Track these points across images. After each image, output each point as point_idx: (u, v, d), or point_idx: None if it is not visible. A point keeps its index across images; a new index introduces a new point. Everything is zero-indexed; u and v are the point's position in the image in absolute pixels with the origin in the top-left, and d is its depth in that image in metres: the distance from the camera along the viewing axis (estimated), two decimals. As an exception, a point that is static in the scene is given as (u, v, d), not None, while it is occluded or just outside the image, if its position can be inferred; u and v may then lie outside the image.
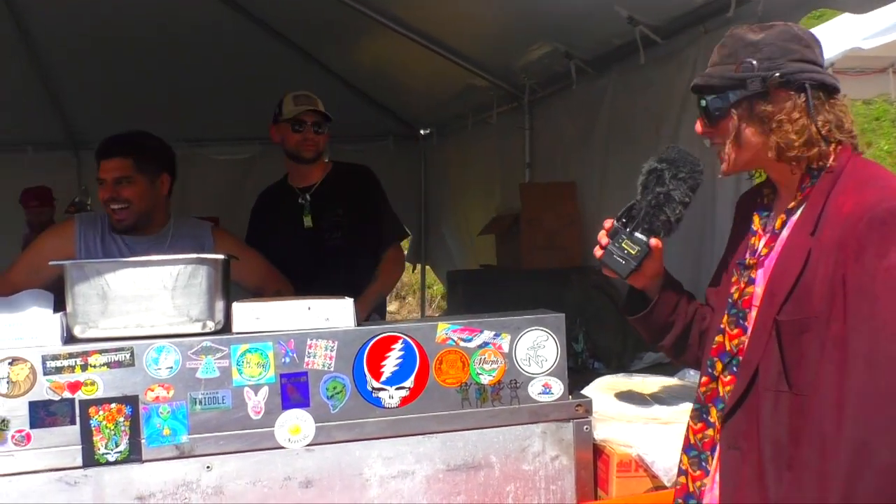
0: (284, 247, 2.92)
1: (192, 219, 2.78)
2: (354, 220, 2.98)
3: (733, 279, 1.56)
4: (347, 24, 4.24)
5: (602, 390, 2.07)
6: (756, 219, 1.57)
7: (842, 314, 1.33)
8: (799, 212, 1.48)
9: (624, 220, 1.61)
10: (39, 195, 5.25)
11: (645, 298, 1.70)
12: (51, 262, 1.78)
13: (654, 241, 1.59)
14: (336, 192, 3.02)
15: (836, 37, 5.28)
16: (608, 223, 1.63)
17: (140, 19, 4.23)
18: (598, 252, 1.63)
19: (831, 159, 1.45)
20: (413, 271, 7.47)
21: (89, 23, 4.23)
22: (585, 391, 2.04)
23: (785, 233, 1.49)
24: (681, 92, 3.00)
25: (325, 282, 2.52)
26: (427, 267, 6.71)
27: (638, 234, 1.59)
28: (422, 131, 6.15)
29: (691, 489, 1.59)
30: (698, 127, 1.55)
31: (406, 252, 7.44)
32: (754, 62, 1.44)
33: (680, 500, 1.60)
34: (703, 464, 1.57)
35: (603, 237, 1.63)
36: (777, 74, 1.42)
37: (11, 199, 5.44)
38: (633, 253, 1.58)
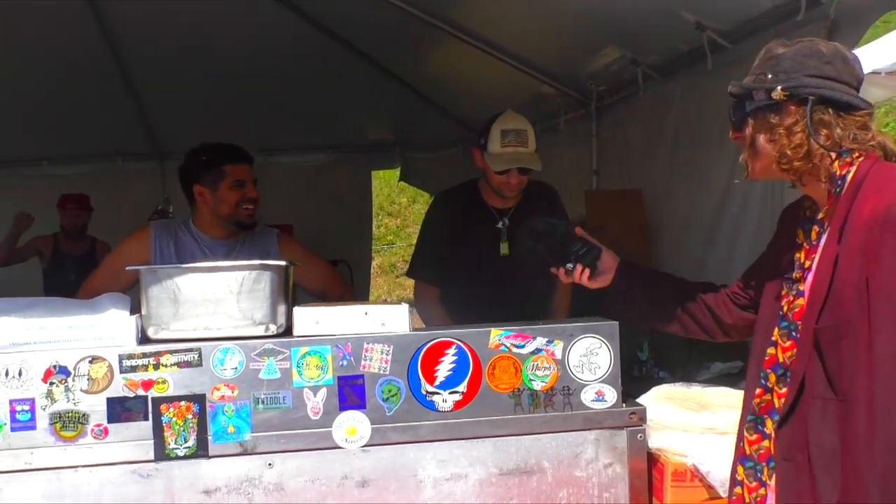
0: (476, 268, 2.80)
1: (262, 226, 2.91)
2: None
3: (783, 292, 1.57)
4: (417, 35, 4.32)
5: (659, 399, 2.06)
6: (800, 232, 1.59)
7: (868, 318, 1.35)
8: (829, 222, 1.50)
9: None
10: (78, 200, 5.44)
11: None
12: (127, 268, 1.90)
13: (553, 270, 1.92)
14: (528, 214, 2.77)
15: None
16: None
17: (220, 37, 4.43)
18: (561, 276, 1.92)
19: (853, 169, 1.45)
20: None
21: (173, 42, 4.44)
22: (642, 399, 2.04)
23: (821, 243, 1.49)
24: (748, 99, 2.96)
25: (516, 307, 2.49)
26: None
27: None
28: (491, 139, 6.17)
29: (747, 500, 1.58)
30: (731, 133, 1.62)
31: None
32: (769, 75, 1.49)
33: None
34: (759, 475, 1.57)
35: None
36: (780, 88, 1.46)
37: (105, 206, 5.77)
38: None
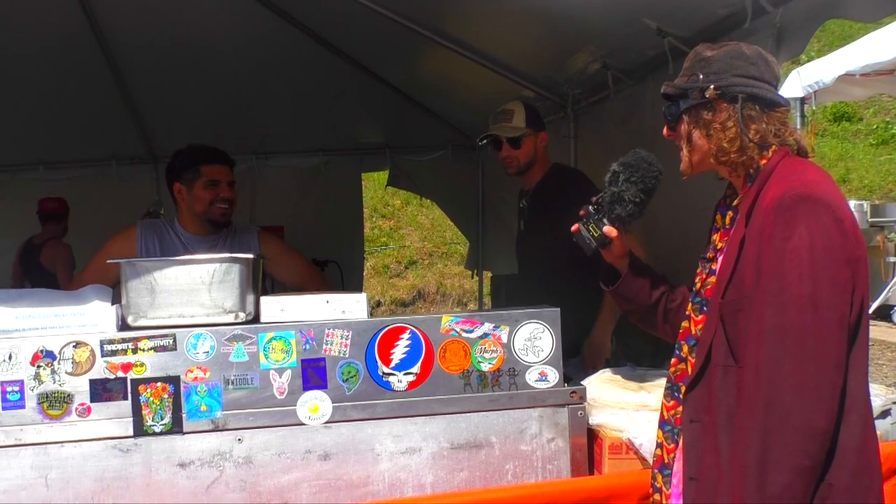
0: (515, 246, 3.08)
1: (244, 224, 3.08)
2: (558, 223, 3.00)
3: (699, 271, 1.72)
4: (405, 42, 4.44)
5: (603, 381, 2.23)
6: (718, 217, 1.73)
7: (759, 292, 1.51)
8: (741, 208, 1.65)
9: (593, 208, 1.87)
10: (57, 202, 5.80)
11: (617, 274, 1.93)
12: (108, 261, 2.07)
13: (607, 229, 1.85)
14: (545, 196, 3.07)
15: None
16: (583, 209, 1.90)
17: (213, 42, 4.55)
18: (573, 228, 1.92)
19: (765, 161, 1.60)
20: (472, 278, 7.66)
21: (167, 47, 4.56)
22: (586, 381, 2.20)
23: (733, 227, 1.64)
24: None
25: (527, 283, 2.69)
26: (486, 274, 6.87)
27: (599, 222, 1.85)
28: (478, 141, 6.31)
29: (666, 460, 1.75)
30: (664, 131, 1.76)
31: (465, 260, 7.65)
32: (701, 75, 1.63)
33: (656, 471, 1.76)
34: (675, 437, 1.74)
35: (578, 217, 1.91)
36: (712, 87, 1.60)
37: (99, 208, 5.94)
38: (595, 236, 1.87)
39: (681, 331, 1.73)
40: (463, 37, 4.27)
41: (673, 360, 1.75)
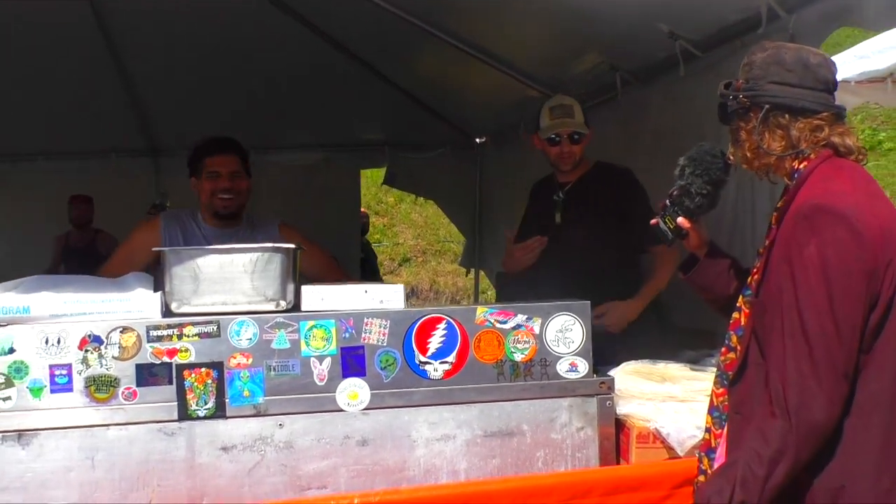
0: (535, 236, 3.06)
1: (263, 215, 3.12)
2: (601, 219, 3.00)
3: (755, 265, 1.81)
4: (408, 39, 4.48)
5: (627, 373, 2.30)
6: (773, 216, 1.81)
7: (779, 297, 1.61)
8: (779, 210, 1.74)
9: (668, 202, 1.98)
10: (86, 199, 5.99)
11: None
12: (154, 249, 2.10)
13: (680, 220, 1.94)
14: (589, 191, 3.07)
15: (892, 48, 5.31)
16: (661, 202, 2.00)
17: (215, 36, 4.57)
18: (652, 222, 2.01)
19: (804, 165, 1.68)
20: (467, 276, 7.72)
21: (170, 40, 4.59)
22: (611, 372, 2.27)
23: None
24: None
25: (564, 277, 2.65)
26: (482, 272, 6.93)
27: (674, 214, 1.95)
28: (477, 140, 6.37)
29: (713, 445, 1.83)
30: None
31: (460, 257, 7.71)
32: (742, 81, 1.72)
33: (703, 454, 1.85)
34: (723, 423, 1.81)
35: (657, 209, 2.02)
36: (741, 96, 1.70)
37: (100, 201, 5.95)
38: (671, 227, 1.97)
39: (731, 321, 1.81)
40: (466, 33, 4.32)
41: (723, 350, 1.83)
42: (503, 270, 3.42)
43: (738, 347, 1.78)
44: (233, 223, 2.91)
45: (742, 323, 1.79)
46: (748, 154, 1.73)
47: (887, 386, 1.58)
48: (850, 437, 1.56)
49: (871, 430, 1.56)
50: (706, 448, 1.85)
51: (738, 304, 1.82)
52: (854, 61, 5.11)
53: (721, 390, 1.83)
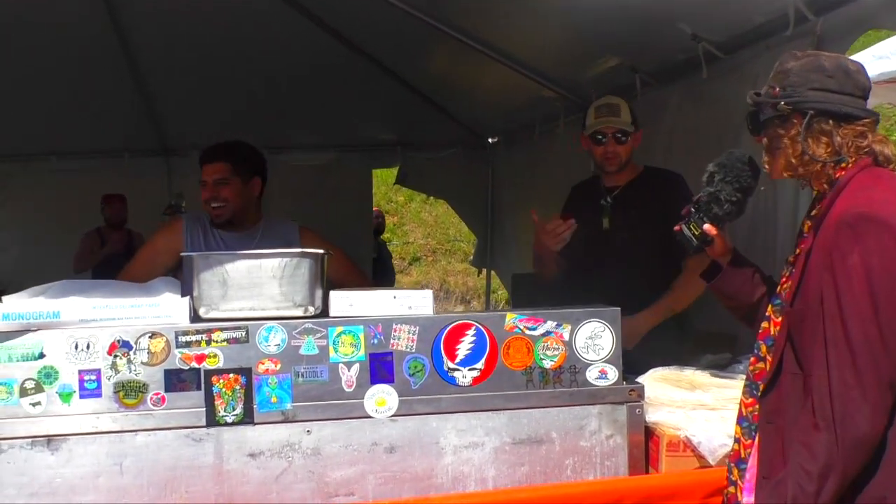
0: (580, 241, 3.00)
1: (281, 218, 3.10)
2: (649, 223, 2.91)
3: (783, 273, 1.78)
4: (421, 37, 4.46)
5: (655, 380, 2.28)
6: (805, 225, 1.79)
7: (822, 307, 1.59)
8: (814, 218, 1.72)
9: (694, 207, 1.95)
10: (120, 198, 5.96)
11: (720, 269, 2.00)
12: (183, 254, 2.09)
13: (707, 227, 1.93)
14: (638, 196, 3.01)
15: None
16: (685, 209, 1.98)
17: (227, 36, 4.55)
18: (676, 227, 1.99)
19: (841, 173, 1.67)
20: (479, 276, 7.70)
21: (182, 40, 4.57)
22: (640, 379, 2.25)
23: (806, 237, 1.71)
24: (742, 105, 3.15)
25: (608, 281, 2.67)
26: (493, 272, 6.92)
27: (700, 221, 1.93)
28: (490, 140, 6.36)
29: (742, 455, 1.81)
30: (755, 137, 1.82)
31: (472, 257, 7.70)
32: (778, 88, 1.68)
33: (732, 465, 1.83)
34: (753, 433, 1.79)
35: (681, 216, 1.99)
36: (783, 103, 1.67)
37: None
38: (696, 235, 1.96)
39: (760, 331, 1.79)
40: (480, 32, 4.30)
41: (752, 359, 1.81)
42: (535, 270, 3.30)
43: (768, 357, 1.77)
44: (245, 227, 2.89)
45: (772, 332, 1.77)
46: (793, 161, 1.70)
47: None
48: (893, 448, 1.54)
49: None
50: (735, 458, 1.83)
51: (766, 314, 1.80)
52: (873, 62, 5.07)
53: (750, 400, 1.81)
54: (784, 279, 1.77)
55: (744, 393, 1.82)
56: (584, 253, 2.97)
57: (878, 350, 1.51)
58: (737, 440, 1.83)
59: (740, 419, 1.82)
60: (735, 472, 1.80)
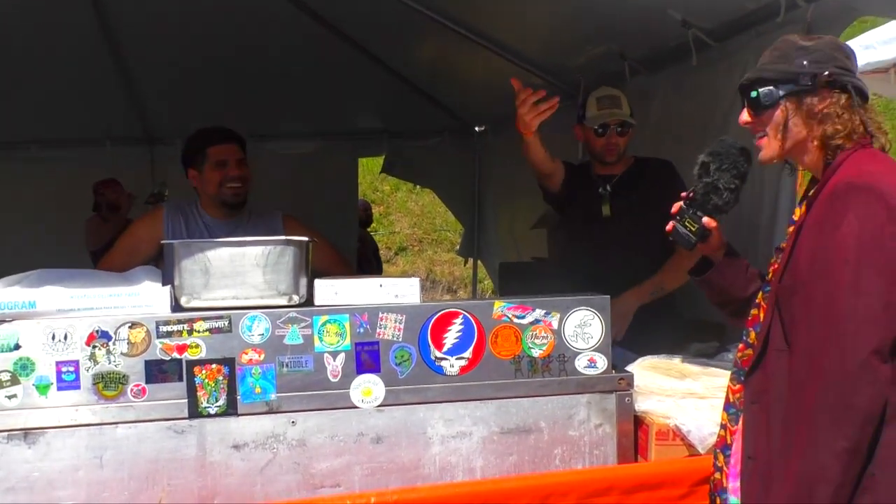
0: (577, 230, 3.08)
1: (265, 206, 3.06)
2: (648, 210, 2.87)
3: (772, 260, 1.76)
4: (406, 23, 4.41)
5: (644, 368, 2.26)
6: (797, 210, 1.77)
7: (811, 279, 1.57)
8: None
9: (686, 203, 1.90)
10: (113, 182, 5.60)
11: (711, 264, 1.96)
12: (163, 242, 2.04)
13: (706, 220, 1.87)
14: (634, 183, 3.04)
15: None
16: (675, 206, 1.91)
17: (211, 22, 4.47)
18: (668, 227, 1.93)
19: (842, 153, 1.65)
20: (465, 265, 7.67)
21: (165, 26, 4.48)
22: (629, 368, 2.23)
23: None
24: (731, 93, 3.14)
25: (613, 269, 2.69)
26: (480, 262, 6.89)
27: (697, 215, 1.87)
28: (476, 128, 6.31)
29: (728, 441, 1.79)
30: (745, 117, 1.76)
31: (458, 246, 7.66)
32: (805, 62, 1.65)
33: (718, 451, 1.81)
34: (739, 420, 1.77)
35: (671, 216, 1.93)
36: (826, 73, 1.63)
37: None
38: (693, 230, 1.89)
39: (750, 318, 1.77)
40: (466, 18, 4.25)
41: (740, 346, 1.79)
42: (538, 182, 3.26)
43: (756, 343, 1.75)
44: (236, 213, 2.86)
45: (761, 319, 1.75)
46: (839, 128, 1.63)
47: None
48: (890, 425, 1.51)
49: None
50: (721, 445, 1.82)
51: (756, 301, 1.78)
52: (860, 52, 5.09)
53: (737, 386, 1.79)
54: (772, 265, 1.75)
55: (731, 380, 1.81)
56: (583, 240, 2.99)
57: (864, 320, 1.49)
58: (723, 426, 1.81)
59: (727, 406, 1.81)
60: (721, 458, 1.79)
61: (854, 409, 1.48)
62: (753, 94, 1.71)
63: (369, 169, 9.47)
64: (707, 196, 1.86)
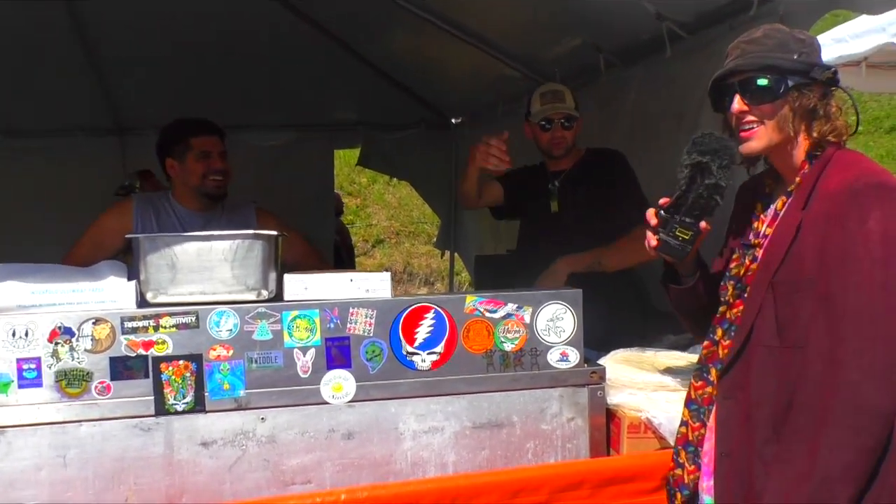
0: (531, 227, 3.14)
1: (238, 199, 3.02)
2: (597, 202, 2.97)
3: (735, 257, 1.75)
4: (383, 15, 4.38)
5: (617, 361, 2.26)
6: (759, 206, 1.76)
7: (828, 276, 1.54)
8: (797, 193, 1.68)
9: (672, 210, 1.73)
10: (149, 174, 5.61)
11: (677, 273, 1.87)
12: (127, 236, 2.00)
13: (703, 224, 1.72)
14: (583, 177, 3.06)
15: (868, 33, 5.33)
16: (653, 219, 1.76)
17: (183, 11, 4.41)
18: (652, 243, 1.76)
19: (821, 151, 1.65)
20: (442, 258, 7.65)
21: (136, 14, 4.42)
22: (601, 361, 2.23)
23: (783, 212, 1.68)
24: (704, 85, 3.13)
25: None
26: (457, 255, 6.87)
27: (689, 220, 1.71)
28: (453, 120, 6.29)
29: (690, 438, 1.79)
30: (739, 105, 1.67)
31: (435, 239, 7.64)
32: (807, 55, 1.63)
33: (679, 448, 1.81)
34: (702, 416, 1.77)
35: (653, 229, 1.76)
36: (833, 70, 1.61)
37: (63, 181, 5.74)
38: (688, 237, 1.72)
39: (717, 315, 1.76)
40: (442, 10, 4.23)
41: (706, 343, 1.78)
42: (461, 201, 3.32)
43: (723, 341, 1.74)
44: (212, 206, 2.82)
45: (728, 316, 1.74)
46: (838, 124, 1.61)
47: None
48: None
49: None
50: (683, 441, 1.81)
51: (725, 299, 1.75)
52: (832, 45, 5.12)
53: (700, 383, 1.78)
54: (739, 261, 1.73)
55: (694, 376, 1.80)
56: (535, 237, 3.05)
57: (894, 318, 1.47)
58: (684, 423, 1.81)
59: (689, 402, 1.80)
60: (682, 454, 1.78)
61: (882, 409, 1.47)
62: (762, 81, 1.63)
63: (346, 161, 9.41)
64: (711, 198, 1.68)
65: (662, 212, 1.74)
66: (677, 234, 1.73)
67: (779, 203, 1.71)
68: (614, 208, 2.91)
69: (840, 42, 5.26)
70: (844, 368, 1.49)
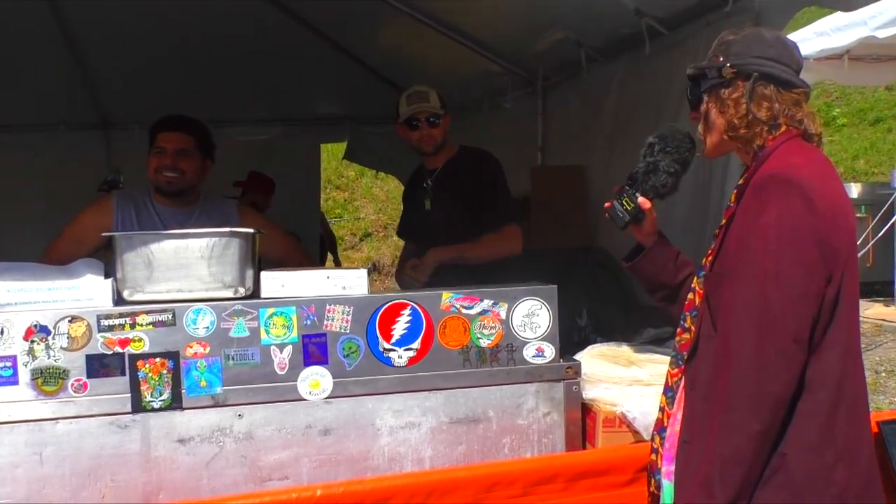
0: (410, 225, 3.32)
1: (220, 196, 3.02)
2: (465, 202, 3.06)
3: (710, 247, 1.79)
4: (368, 10, 4.38)
5: (593, 356, 2.28)
6: (733, 195, 1.79)
7: (736, 266, 1.61)
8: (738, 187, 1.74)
9: (628, 183, 1.93)
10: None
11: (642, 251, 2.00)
12: (103, 234, 2.01)
13: (641, 200, 1.91)
14: (453, 176, 3.15)
15: (850, 26, 5.38)
16: (616, 187, 1.95)
17: (168, 8, 4.40)
18: (606, 204, 1.97)
19: (771, 141, 1.68)
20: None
21: (121, 9, 4.41)
22: (578, 356, 2.25)
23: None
24: (682, 80, 3.15)
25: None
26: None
27: (633, 195, 1.91)
28: (438, 114, 6.28)
29: (665, 424, 1.82)
30: (691, 114, 1.82)
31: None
32: (721, 57, 1.70)
33: (655, 433, 1.84)
34: (675, 402, 1.80)
35: (612, 196, 1.96)
36: (728, 65, 1.67)
37: (47, 176, 5.72)
38: (629, 209, 1.92)
39: (686, 302, 1.80)
40: (427, 6, 4.24)
41: (678, 331, 1.82)
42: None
43: (692, 327, 1.78)
44: (186, 202, 2.80)
45: (696, 303, 1.79)
46: (735, 122, 1.69)
47: (835, 361, 1.59)
48: (799, 408, 1.56)
49: (817, 406, 1.57)
50: (659, 427, 1.86)
51: (692, 286, 1.82)
52: (813, 38, 5.16)
53: (675, 370, 1.83)
54: (710, 251, 1.78)
55: (670, 364, 1.84)
56: (414, 234, 3.26)
57: (782, 308, 1.53)
58: (661, 409, 1.84)
59: (665, 389, 1.84)
60: (657, 439, 1.82)
61: (769, 395, 1.53)
62: (690, 89, 1.77)
63: (334, 154, 9.41)
64: (647, 175, 1.89)
65: (625, 183, 1.94)
66: (623, 202, 1.93)
67: (732, 196, 1.75)
68: (480, 207, 3.07)
69: (822, 35, 5.30)
70: (735, 355, 1.55)
